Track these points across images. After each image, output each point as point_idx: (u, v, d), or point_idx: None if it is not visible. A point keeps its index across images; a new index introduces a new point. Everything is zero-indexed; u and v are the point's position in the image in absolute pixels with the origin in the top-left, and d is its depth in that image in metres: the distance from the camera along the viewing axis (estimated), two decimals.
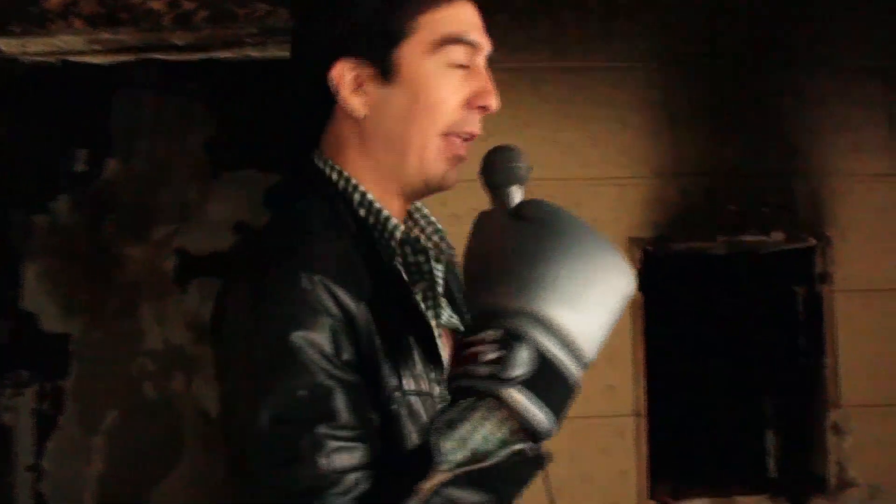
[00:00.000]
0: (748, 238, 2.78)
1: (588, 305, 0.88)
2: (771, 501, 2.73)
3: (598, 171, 2.77)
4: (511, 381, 0.85)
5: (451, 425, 0.86)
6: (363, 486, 0.86)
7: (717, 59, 2.84)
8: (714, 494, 2.73)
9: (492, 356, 0.86)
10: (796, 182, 2.81)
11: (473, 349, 0.87)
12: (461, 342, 0.91)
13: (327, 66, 0.98)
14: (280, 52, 2.91)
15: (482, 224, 1.00)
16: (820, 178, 2.82)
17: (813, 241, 2.80)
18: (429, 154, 1.01)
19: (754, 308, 3.00)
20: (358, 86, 0.99)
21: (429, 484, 0.84)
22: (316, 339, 0.87)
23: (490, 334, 0.87)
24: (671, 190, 2.76)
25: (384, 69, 0.98)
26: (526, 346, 0.86)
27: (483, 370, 0.86)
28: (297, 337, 0.87)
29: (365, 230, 1.00)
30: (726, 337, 2.87)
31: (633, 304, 2.61)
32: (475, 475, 0.85)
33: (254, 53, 2.89)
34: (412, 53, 0.99)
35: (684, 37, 2.83)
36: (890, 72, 2.87)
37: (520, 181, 1.01)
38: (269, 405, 0.86)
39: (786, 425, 2.93)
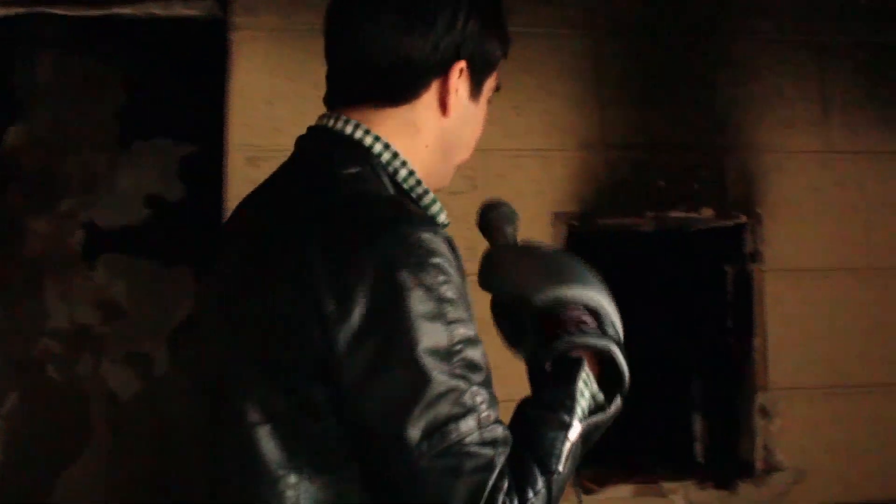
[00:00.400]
0: (677, 214, 2.67)
1: (608, 299, 1.06)
2: (697, 486, 2.64)
3: (522, 141, 2.63)
4: (611, 339, 1.01)
5: (572, 381, 0.97)
6: (507, 434, 0.92)
7: (649, 28, 2.72)
8: (639, 480, 2.63)
9: (588, 321, 1.01)
10: (727, 157, 2.72)
11: (567, 318, 1.01)
12: (545, 319, 1.02)
13: (451, 57, 1.04)
14: (186, 10, 2.71)
15: (499, 251, 1.16)
16: (751, 153, 2.73)
17: (743, 219, 2.71)
18: (455, 169, 1.16)
19: (683, 287, 2.90)
20: (456, 90, 1.06)
21: (575, 435, 0.94)
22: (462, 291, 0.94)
23: (575, 309, 1.02)
24: (598, 163, 2.64)
25: (476, 89, 1.08)
26: (605, 316, 1.03)
27: (588, 332, 1.00)
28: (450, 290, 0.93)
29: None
30: (653, 317, 2.76)
31: None
32: (590, 430, 0.97)
33: (157, 11, 2.68)
34: (487, 87, 1.11)
35: (616, 4, 2.70)
36: (824, 45, 2.78)
37: (512, 221, 1.18)
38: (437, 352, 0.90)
39: (713, 408, 2.85)
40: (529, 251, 1.12)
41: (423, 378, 0.87)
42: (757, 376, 2.70)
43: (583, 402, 0.97)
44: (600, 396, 1.00)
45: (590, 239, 2.63)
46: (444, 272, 0.91)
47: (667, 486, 2.63)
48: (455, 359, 0.89)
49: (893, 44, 2.77)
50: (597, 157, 2.63)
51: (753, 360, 2.71)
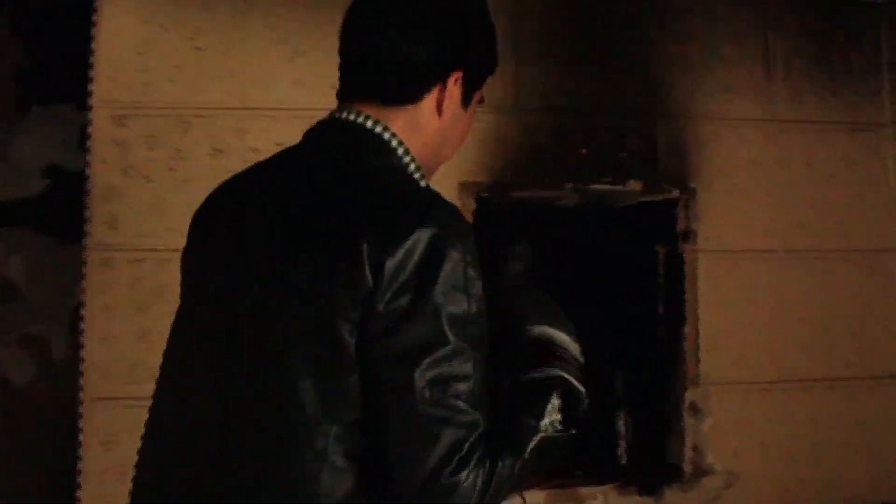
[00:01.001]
0: (601, 187, 2.40)
1: (575, 335, 1.27)
2: (618, 492, 2.37)
3: None
4: (576, 372, 1.19)
5: (545, 400, 1.13)
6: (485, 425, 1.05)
7: None
8: (554, 485, 2.35)
9: (564, 355, 1.20)
10: (659, 124, 2.44)
11: (549, 351, 1.19)
12: (545, 348, 1.20)
13: (451, 66, 1.17)
14: None
15: (507, 285, 1.52)
16: (686, 120, 2.45)
17: (675, 194, 2.44)
18: (439, 166, 1.28)
19: (609, 269, 2.62)
20: (451, 95, 1.19)
21: (538, 438, 1.09)
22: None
23: (553, 345, 1.20)
24: (512, 128, 2.35)
25: (467, 97, 1.21)
26: (574, 351, 1.23)
27: (562, 368, 1.17)
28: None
29: None
30: (575, 302, 2.47)
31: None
32: (548, 443, 1.11)
33: None
34: (476, 98, 1.25)
35: None
36: (767, 3, 2.50)
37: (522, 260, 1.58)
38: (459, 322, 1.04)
39: (639, 404, 2.57)
40: (527, 290, 1.35)
41: (440, 336, 1.01)
42: (687, 369, 2.43)
43: (547, 419, 1.12)
44: (558, 422, 1.15)
45: (503, 212, 2.35)
46: (472, 253, 1.06)
47: (585, 491, 2.36)
48: (469, 329, 1.03)
49: (842, 3, 2.50)
50: (510, 121, 2.35)
51: (683, 351, 2.44)
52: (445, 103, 1.18)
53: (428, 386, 1.00)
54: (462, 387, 1.01)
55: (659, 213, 2.48)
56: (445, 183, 2.30)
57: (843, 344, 2.50)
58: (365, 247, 1.02)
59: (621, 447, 2.55)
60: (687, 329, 2.44)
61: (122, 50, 2.25)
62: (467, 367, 1.02)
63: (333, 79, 2.37)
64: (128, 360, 2.20)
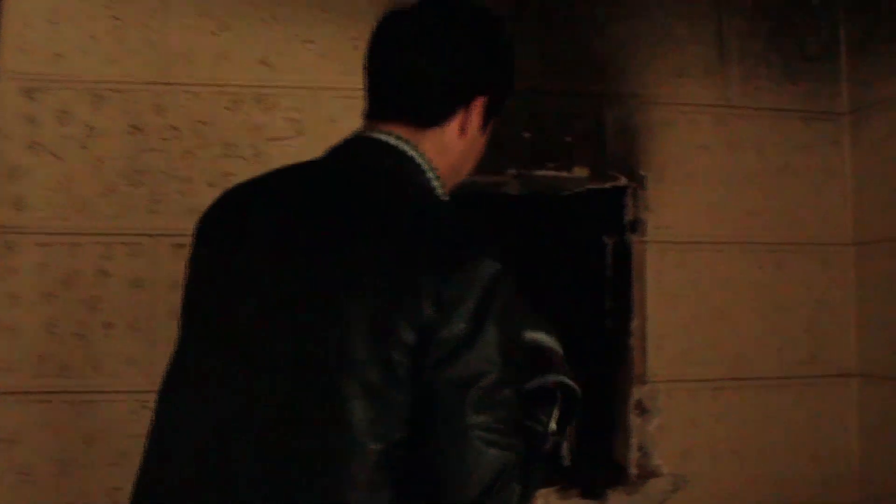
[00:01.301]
0: (545, 173, 2.27)
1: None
2: (559, 495, 2.25)
3: (360, 80, 2.21)
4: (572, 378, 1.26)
5: (551, 409, 1.21)
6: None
7: None
8: None
9: (563, 358, 1.30)
10: (606, 108, 2.32)
11: (551, 356, 1.28)
12: (536, 354, 1.27)
13: (477, 92, 1.23)
14: None
15: None
16: (635, 104, 2.34)
17: (623, 181, 2.32)
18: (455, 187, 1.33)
19: (554, 261, 2.50)
20: (472, 120, 1.24)
21: (547, 447, 1.19)
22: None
23: (554, 345, 1.30)
24: None
25: (486, 122, 1.27)
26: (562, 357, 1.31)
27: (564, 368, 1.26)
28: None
29: None
30: (519, 294, 2.35)
31: None
32: (555, 447, 1.24)
33: None
34: (491, 124, 1.30)
35: None
36: None
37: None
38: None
39: (586, 403, 2.44)
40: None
41: (492, 365, 1.04)
42: (634, 366, 2.32)
43: (553, 424, 1.20)
44: (553, 426, 1.21)
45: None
46: (512, 287, 1.08)
47: None
48: (515, 358, 1.08)
49: None
50: None
51: (630, 346, 2.32)
52: (468, 127, 1.23)
53: (480, 412, 1.04)
54: (507, 413, 1.06)
55: (607, 202, 2.36)
56: None
57: (796, 341, 2.40)
58: (424, 278, 1.04)
59: (565, 448, 2.43)
60: (634, 324, 2.32)
61: (32, 18, 2.09)
62: (512, 395, 1.07)
63: (260, 53, 2.23)
64: (33, 353, 2.04)
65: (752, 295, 2.37)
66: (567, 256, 2.52)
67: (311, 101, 2.18)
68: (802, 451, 2.39)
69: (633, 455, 2.31)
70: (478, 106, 1.23)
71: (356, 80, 2.23)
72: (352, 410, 1.02)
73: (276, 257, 1.12)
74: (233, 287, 1.13)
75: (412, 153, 1.19)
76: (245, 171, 2.18)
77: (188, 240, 2.12)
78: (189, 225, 2.11)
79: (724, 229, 2.36)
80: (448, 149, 1.23)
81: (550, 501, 2.23)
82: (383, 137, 1.19)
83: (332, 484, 1.02)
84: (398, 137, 1.19)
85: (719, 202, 2.36)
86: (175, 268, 2.11)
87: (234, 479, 1.04)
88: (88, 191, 2.09)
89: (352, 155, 1.20)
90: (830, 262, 2.43)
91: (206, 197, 2.16)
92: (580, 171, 2.28)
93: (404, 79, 1.20)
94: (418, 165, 1.19)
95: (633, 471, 2.31)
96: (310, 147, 2.19)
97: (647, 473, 2.31)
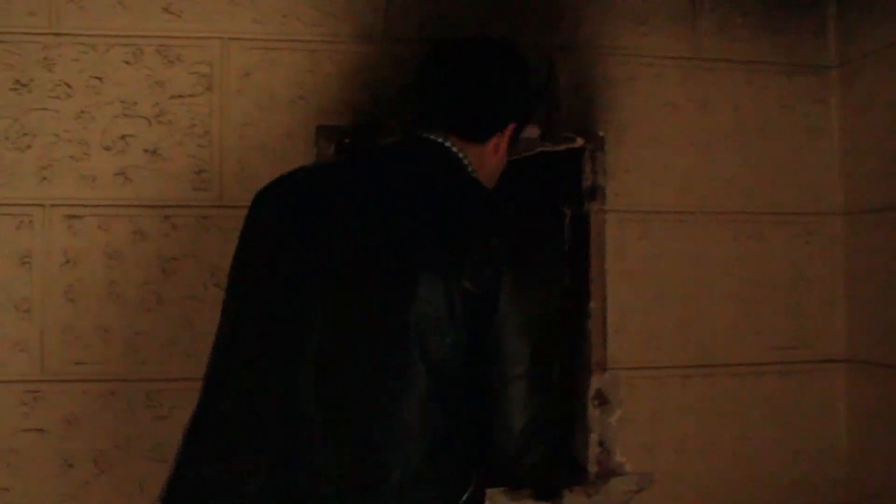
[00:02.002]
0: None
1: None
2: (509, 496, 2.00)
3: (278, 28, 1.95)
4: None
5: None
6: None
7: None
8: None
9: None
10: (561, 60, 2.05)
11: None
12: None
13: (513, 119, 1.47)
14: None
15: None
16: (593, 55, 2.07)
17: (579, 143, 2.05)
18: None
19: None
20: (504, 140, 1.48)
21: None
22: None
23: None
24: (382, 62, 1.96)
25: (513, 141, 1.50)
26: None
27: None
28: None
29: None
30: None
31: None
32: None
33: None
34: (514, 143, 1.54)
35: None
36: None
37: None
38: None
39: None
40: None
41: (534, 322, 1.28)
42: (593, 352, 2.06)
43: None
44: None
45: None
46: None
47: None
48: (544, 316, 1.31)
49: None
50: (379, 52, 1.96)
51: (588, 330, 2.06)
52: (500, 147, 1.47)
53: (530, 359, 1.25)
54: (543, 365, 1.28)
55: (564, 167, 2.10)
56: (299, 126, 1.93)
57: (775, 323, 2.14)
58: (496, 262, 1.25)
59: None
60: (592, 304, 2.06)
61: None
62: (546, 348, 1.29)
63: (161, 1, 1.98)
64: None
65: (725, 271, 2.11)
66: (524, 228, 2.26)
67: (220, 53, 1.93)
68: (783, 447, 2.14)
69: (593, 451, 2.06)
70: (510, 130, 1.47)
71: (272, 29, 1.99)
72: (417, 377, 1.19)
73: (350, 247, 1.25)
74: (289, 282, 1.26)
75: (461, 156, 1.41)
76: (147, 133, 1.94)
77: (84, 210, 1.88)
78: (85, 194, 1.87)
79: (693, 197, 2.10)
80: (483, 162, 1.45)
81: (497, 503, 1.99)
82: (441, 139, 1.40)
83: (390, 402, 1.19)
84: (453, 143, 1.41)
85: (688, 167, 2.10)
86: (69, 243, 1.86)
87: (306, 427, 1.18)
88: None
89: (416, 150, 1.40)
90: (815, 235, 2.17)
91: (103, 162, 1.92)
92: (531, 131, 2.02)
93: (462, 101, 1.43)
94: (466, 166, 1.41)
95: (593, 468, 2.06)
96: (220, 105, 1.95)
97: (608, 471, 2.06)
